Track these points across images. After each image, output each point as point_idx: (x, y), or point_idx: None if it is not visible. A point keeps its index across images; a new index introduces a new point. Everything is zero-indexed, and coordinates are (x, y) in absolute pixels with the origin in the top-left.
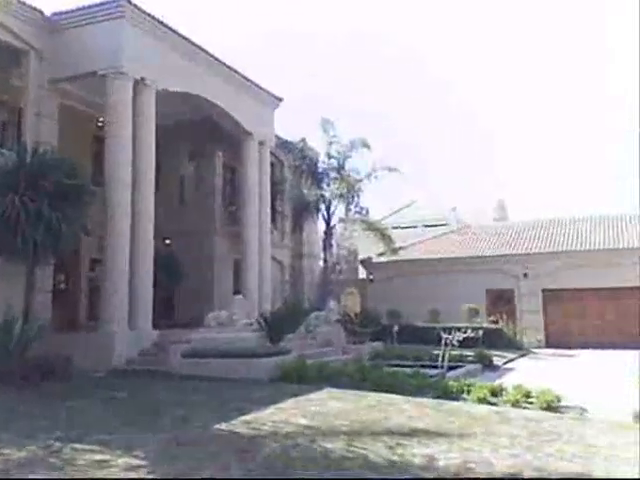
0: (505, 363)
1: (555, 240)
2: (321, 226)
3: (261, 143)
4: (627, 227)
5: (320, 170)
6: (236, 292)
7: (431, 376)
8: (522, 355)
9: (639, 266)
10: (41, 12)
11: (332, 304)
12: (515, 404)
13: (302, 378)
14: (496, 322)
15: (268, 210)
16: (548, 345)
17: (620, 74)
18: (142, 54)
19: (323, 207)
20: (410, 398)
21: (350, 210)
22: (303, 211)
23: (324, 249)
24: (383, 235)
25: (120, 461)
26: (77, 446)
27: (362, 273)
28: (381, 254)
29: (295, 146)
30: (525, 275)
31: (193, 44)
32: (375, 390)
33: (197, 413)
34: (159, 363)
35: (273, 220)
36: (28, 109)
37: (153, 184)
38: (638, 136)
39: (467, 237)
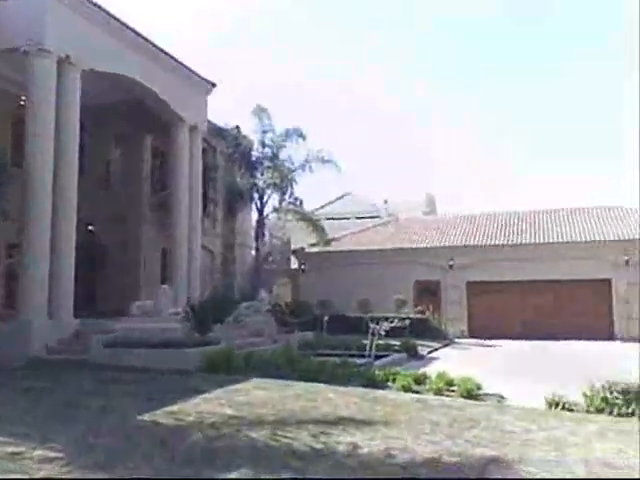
0: (430, 352)
1: (481, 234)
2: (254, 215)
3: (193, 128)
4: (554, 222)
5: (254, 158)
6: (164, 281)
7: (359, 365)
8: (446, 345)
9: (567, 261)
10: None
11: (263, 294)
12: (438, 392)
13: (230, 368)
14: (423, 312)
15: (199, 198)
16: (471, 335)
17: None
18: (67, 31)
19: (256, 196)
20: (337, 387)
21: (284, 200)
22: (236, 200)
23: (257, 239)
24: (316, 226)
25: (35, 453)
26: None
27: (295, 263)
28: (314, 245)
29: (229, 133)
30: (451, 267)
31: (122, 24)
32: (303, 380)
33: (118, 404)
34: (80, 353)
35: (204, 208)
36: None
37: (77, 167)
38: None
39: (397, 229)
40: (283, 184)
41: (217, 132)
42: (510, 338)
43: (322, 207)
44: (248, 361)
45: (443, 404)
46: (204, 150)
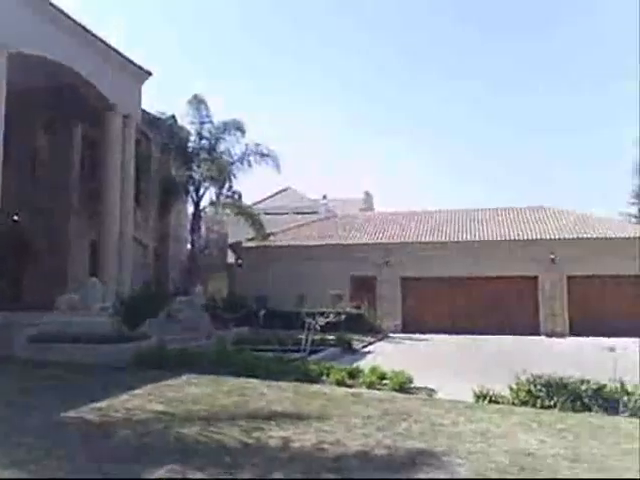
0: (364, 346)
1: (416, 231)
2: (191, 209)
3: (126, 117)
4: (487, 220)
5: (190, 150)
6: (92, 275)
7: (293, 360)
8: (380, 339)
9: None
10: None
11: (198, 289)
12: (370, 386)
13: (161, 364)
14: (358, 307)
15: (131, 188)
16: (405, 330)
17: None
18: None
19: (192, 189)
20: (271, 382)
21: (222, 194)
22: (171, 192)
23: (192, 232)
24: (254, 220)
25: None
26: None
27: (232, 258)
28: (251, 239)
29: (164, 122)
30: (386, 263)
31: (52, 5)
32: (237, 375)
33: (43, 400)
34: (4, 348)
35: (137, 200)
36: None
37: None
38: None
39: (334, 225)
40: (221, 177)
41: (152, 122)
42: (442, 333)
43: (261, 202)
44: (180, 357)
45: (375, 397)
46: (138, 140)
